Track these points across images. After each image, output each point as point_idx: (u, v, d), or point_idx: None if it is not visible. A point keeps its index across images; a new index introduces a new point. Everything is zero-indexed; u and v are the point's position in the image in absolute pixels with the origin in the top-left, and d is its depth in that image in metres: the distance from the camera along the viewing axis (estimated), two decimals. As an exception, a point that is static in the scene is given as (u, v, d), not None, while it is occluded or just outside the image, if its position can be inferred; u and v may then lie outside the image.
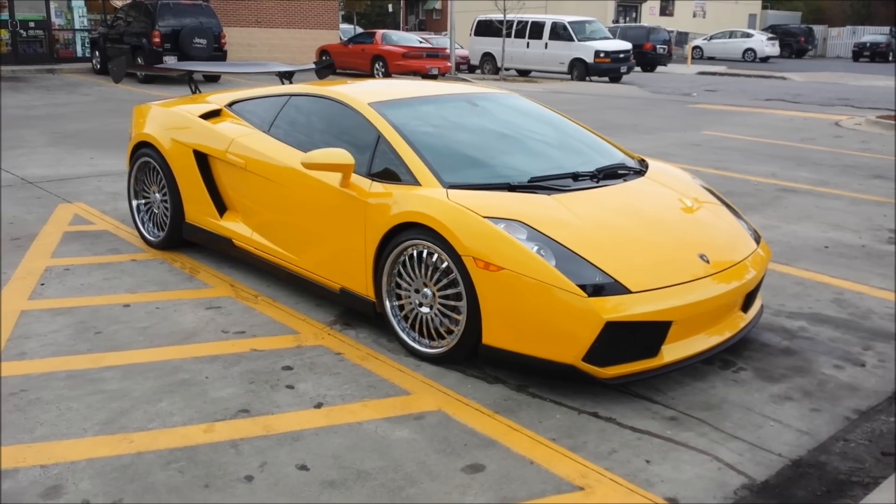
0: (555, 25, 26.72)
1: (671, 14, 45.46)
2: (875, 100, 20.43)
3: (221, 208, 5.27)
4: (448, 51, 24.79)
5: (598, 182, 4.29)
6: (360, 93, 4.78)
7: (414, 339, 4.01)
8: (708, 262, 3.86)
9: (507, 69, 26.89)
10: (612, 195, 4.16)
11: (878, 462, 3.15)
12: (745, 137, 12.47)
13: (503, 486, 2.92)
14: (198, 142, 5.29)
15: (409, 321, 4.04)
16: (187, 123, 5.43)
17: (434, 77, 23.41)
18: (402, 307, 4.07)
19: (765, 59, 38.40)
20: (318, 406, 3.49)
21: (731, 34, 40.34)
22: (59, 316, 4.46)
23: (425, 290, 3.90)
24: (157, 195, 5.70)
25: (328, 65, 7.23)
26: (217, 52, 20.04)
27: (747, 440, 3.29)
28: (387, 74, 23.08)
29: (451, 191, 3.92)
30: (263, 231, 4.88)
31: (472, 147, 4.51)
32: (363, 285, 4.23)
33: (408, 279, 3.98)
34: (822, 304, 4.91)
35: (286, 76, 6.88)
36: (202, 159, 5.31)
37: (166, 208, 5.63)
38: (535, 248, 3.58)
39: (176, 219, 5.51)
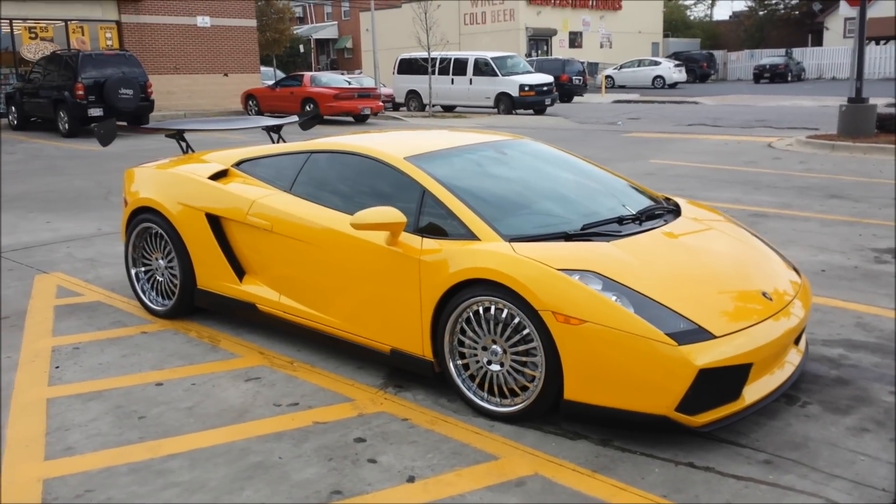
0: (478, 61, 27.18)
1: (580, 46, 46.84)
2: (790, 120, 21.48)
3: (239, 272, 5.05)
4: (379, 90, 24.81)
5: (641, 224, 4.30)
6: (390, 147, 4.68)
7: (482, 399, 3.91)
8: (771, 299, 3.91)
9: (432, 105, 27.12)
10: (665, 238, 4.18)
11: (979, 489, 3.21)
12: (692, 164, 12.86)
13: (639, 550, 2.84)
14: (211, 205, 5.08)
15: (476, 380, 3.93)
16: (196, 186, 5.21)
17: (366, 118, 23.41)
18: (466, 366, 3.96)
19: (673, 85, 39.96)
20: (412, 480, 3.34)
21: (640, 62, 41.88)
22: (91, 402, 4.16)
23: (494, 346, 3.81)
24: (162, 262, 5.43)
25: (313, 116, 7.09)
26: (144, 101, 19.49)
27: (847, 477, 3.31)
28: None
29: (515, 244, 3.85)
30: (295, 294, 4.70)
31: (516, 197, 4.47)
32: (419, 345, 4.11)
33: (473, 336, 3.88)
34: (849, 330, 5.04)
35: (274, 130, 6.72)
36: (214, 223, 5.09)
37: (172, 275, 5.37)
38: (614, 297, 3.55)
39: (186, 286, 5.26)
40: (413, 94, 28.74)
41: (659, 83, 39.93)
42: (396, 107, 29.13)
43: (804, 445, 3.59)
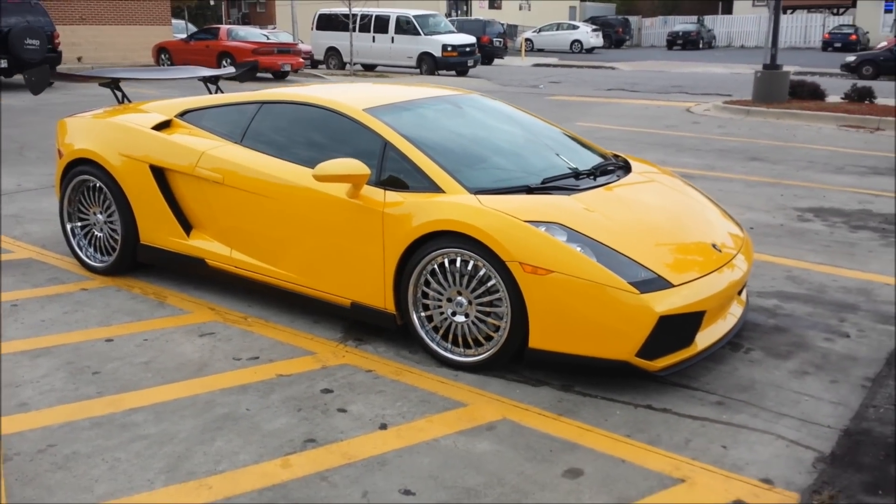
0: (400, 19, 26.80)
1: (499, 7, 46.84)
2: (704, 86, 22.10)
3: (186, 227, 4.92)
4: (299, 46, 24.23)
5: (596, 179, 4.41)
6: (347, 99, 4.62)
7: (446, 350, 3.96)
8: (720, 251, 4.09)
9: (353, 64, 26.70)
10: (621, 192, 4.30)
11: (912, 424, 3.47)
12: (617, 127, 13.14)
13: (610, 487, 2.97)
14: (155, 156, 4.92)
15: (440, 331, 3.98)
16: (139, 136, 5.03)
17: (286, 74, 22.88)
18: (430, 318, 4.00)
19: (590, 50, 40.45)
20: (384, 427, 3.38)
21: (559, 26, 42.18)
22: (40, 358, 4.02)
23: (459, 298, 3.86)
24: (101, 216, 5.24)
25: (251, 67, 6.90)
26: (51, 52, 18.49)
27: (794, 416, 3.53)
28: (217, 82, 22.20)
29: (480, 196, 3.89)
30: (249, 248, 4.62)
31: (476, 151, 4.50)
32: (380, 298, 4.12)
33: (437, 289, 3.91)
34: (780, 282, 5.32)
35: (211, 81, 6.52)
36: (159, 175, 4.94)
37: (112, 230, 5.19)
38: (578, 248, 3.65)
39: (128, 241, 5.10)
40: (333, 52, 28.14)
41: (577, 48, 40.36)
42: (315, 64, 28.49)
43: (752, 388, 3.80)
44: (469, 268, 3.80)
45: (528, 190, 4.08)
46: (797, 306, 4.87)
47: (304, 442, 3.26)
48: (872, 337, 4.41)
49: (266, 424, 3.39)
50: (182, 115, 5.20)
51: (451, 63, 25.97)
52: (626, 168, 4.77)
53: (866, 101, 14.96)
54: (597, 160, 4.77)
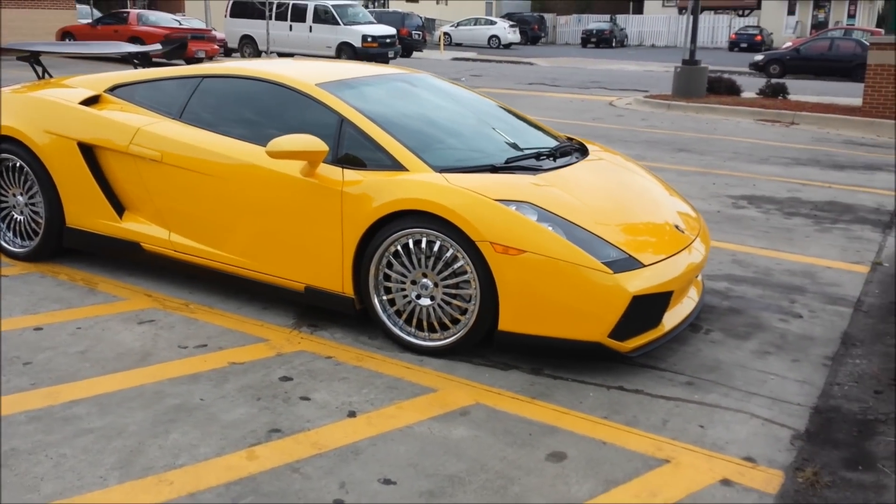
0: (318, 8, 26.30)
1: (416, 1, 46.65)
2: (621, 82, 22.49)
3: (118, 209, 4.59)
4: (215, 32, 23.46)
5: (556, 161, 4.31)
6: (298, 73, 4.38)
7: (409, 334, 3.79)
8: (683, 232, 4.05)
9: (269, 52, 26.05)
10: (583, 174, 4.21)
11: (877, 399, 3.51)
12: (544, 118, 13.14)
13: (597, 469, 2.87)
14: (84, 134, 4.56)
15: (403, 316, 3.80)
16: (66, 112, 4.65)
17: (199, 61, 22.11)
18: (392, 301, 3.82)
19: (507, 46, 40.69)
20: (353, 415, 3.19)
21: (477, 21, 42.28)
22: (-39, 349, 3.65)
23: (424, 280, 3.70)
24: (21, 198, 4.83)
25: (180, 44, 6.53)
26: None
27: (764, 395, 3.51)
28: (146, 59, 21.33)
29: (447, 175, 3.74)
30: (190, 231, 4.33)
31: (435, 129, 4.33)
32: (338, 282, 3.92)
33: (401, 271, 3.74)
34: (728, 266, 5.36)
35: (138, 57, 6.14)
36: (87, 154, 4.58)
37: (35, 213, 4.80)
38: (549, 228, 3.54)
39: (53, 225, 4.71)
40: (248, 40, 27.36)
41: (494, 43, 40.54)
42: (229, 52, 27.66)
43: (718, 368, 3.77)
44: (435, 249, 3.64)
45: (493, 169, 3.95)
46: (747, 289, 4.90)
47: (269, 432, 3.04)
48: (824, 317, 4.47)
49: (224, 415, 3.15)
50: (112, 90, 4.84)
51: (372, 54, 25.63)
52: (582, 150, 4.70)
53: (780, 97, 15.49)
54: (553, 142, 4.68)
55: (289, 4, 26.65)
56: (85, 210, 4.62)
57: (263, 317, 4.17)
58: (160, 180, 4.36)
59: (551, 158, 4.31)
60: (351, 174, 3.86)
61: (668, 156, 9.80)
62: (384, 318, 3.83)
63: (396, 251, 3.73)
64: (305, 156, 3.79)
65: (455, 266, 3.61)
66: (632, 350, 3.59)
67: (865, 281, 5.14)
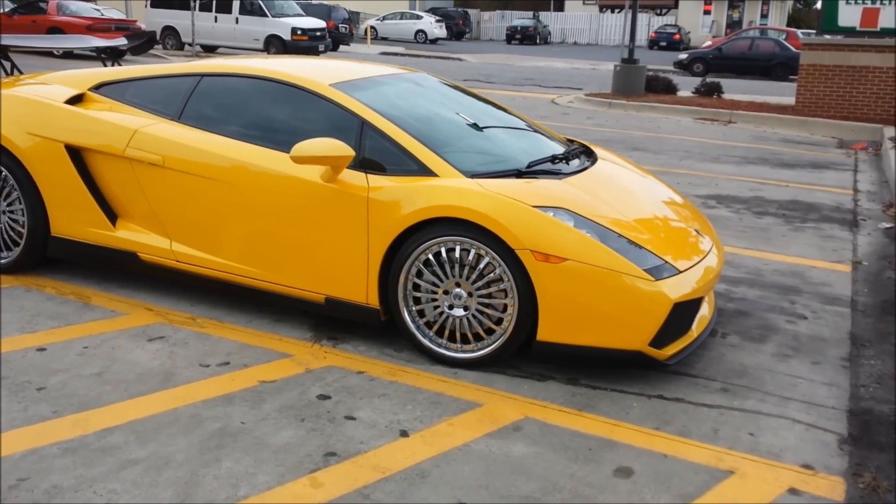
0: (244, 0, 25.64)
1: (339, -7, 46.00)
2: (554, 79, 22.75)
3: (111, 216, 4.32)
4: (139, 23, 22.57)
5: (569, 164, 4.27)
6: (309, 73, 4.20)
7: (441, 346, 3.69)
8: (703, 236, 4.08)
9: (193, 45, 25.24)
10: (602, 178, 4.18)
11: (904, 401, 3.61)
12: (493, 115, 13.15)
13: (667, 484, 2.84)
14: (73, 136, 4.27)
15: (434, 327, 3.69)
16: (51, 113, 4.34)
17: (124, 53, 21.20)
18: (421, 312, 3.71)
19: (434, 41, 40.64)
20: (405, 434, 3.08)
21: (402, 15, 42.04)
22: (-38, 374, 3.36)
23: (457, 290, 3.60)
24: (-3, 205, 4.50)
25: (148, 39, 6.20)
26: None
27: (798, 399, 3.56)
28: (116, 54, 20.33)
29: (480, 180, 3.64)
30: (195, 240, 4.10)
31: (453, 132, 4.21)
32: (362, 292, 3.78)
33: (433, 280, 3.63)
34: (720, 267, 5.43)
35: (106, 52, 5.81)
36: (75, 157, 4.30)
37: (13, 221, 4.48)
38: (588, 234, 3.49)
39: (36, 234, 4.41)
40: (170, 31, 26.49)
41: (421, 37, 40.39)
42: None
43: (746, 373, 3.81)
44: (470, 257, 3.55)
45: (518, 174, 3.88)
46: (746, 290, 4.98)
47: (325, 456, 2.89)
48: (826, 318, 4.58)
49: (271, 439, 2.99)
50: (97, 87, 4.55)
51: (302, 47, 25.14)
52: (588, 153, 4.68)
53: (715, 96, 15.92)
54: (558, 144, 4.64)
55: (213, -6, 25.88)
56: (73, 218, 4.34)
57: (278, 330, 3.99)
58: (161, 186, 4.12)
59: (565, 161, 4.27)
60: (377, 179, 3.73)
61: (624, 155, 9.91)
62: (414, 329, 3.72)
63: (427, 260, 3.62)
64: (331, 161, 3.64)
65: (491, 275, 3.53)
66: (669, 358, 3.58)
67: (852, 280, 5.29)
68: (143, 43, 6.09)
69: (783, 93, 19.22)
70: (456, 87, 5.03)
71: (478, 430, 3.13)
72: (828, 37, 14.18)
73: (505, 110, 5.01)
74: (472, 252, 3.53)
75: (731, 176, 8.80)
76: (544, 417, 3.27)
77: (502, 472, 2.85)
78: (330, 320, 4.07)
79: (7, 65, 5.13)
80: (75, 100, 4.47)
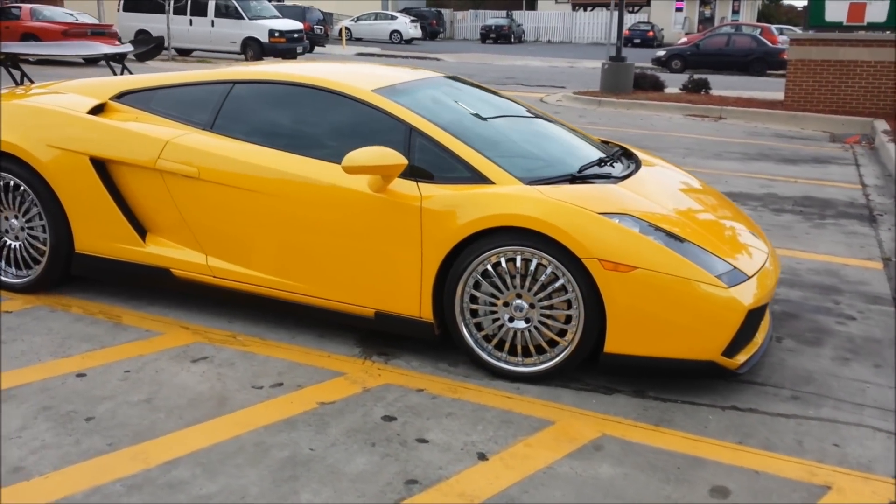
0: (219, 3, 25.27)
1: (311, -6, 45.65)
2: (536, 78, 22.71)
3: (140, 231, 4.11)
4: (115, 28, 22.13)
5: (614, 167, 4.14)
6: (348, 78, 4.03)
7: (500, 360, 3.54)
8: (757, 238, 3.97)
9: (169, 48, 24.83)
10: (653, 181, 4.06)
11: (977, 404, 3.52)
12: (487, 115, 13.02)
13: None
14: (99, 148, 4.06)
15: (493, 340, 3.54)
16: (75, 124, 4.12)
17: (98, 59, 20.77)
18: (479, 325, 3.55)
19: (409, 41, 40.45)
20: (484, 457, 2.92)
21: (377, 16, 41.78)
22: (2, 405, 3.14)
23: (518, 301, 3.45)
24: (15, 222, 4.27)
25: (156, 45, 5.98)
26: None
27: (871, 405, 3.46)
28: (121, 61, 19.84)
29: (540, 187, 3.50)
30: (233, 255, 3.91)
31: (500, 137, 4.06)
32: (415, 306, 3.62)
33: (492, 291, 3.48)
34: (755, 268, 5.34)
35: (114, 59, 5.59)
36: (101, 170, 4.09)
37: (33, 238, 4.25)
38: (656, 241, 3.36)
39: (59, 251, 4.19)
40: (143, 34, 26.02)
41: (396, 38, 40.18)
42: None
43: (812, 379, 3.70)
44: (532, 267, 3.40)
45: (572, 179, 3.74)
46: (787, 291, 4.90)
47: (407, 484, 2.73)
48: (874, 318, 4.50)
49: (345, 466, 2.82)
50: (119, 97, 4.34)
51: (280, 49, 24.86)
52: (628, 154, 4.56)
53: (703, 92, 15.94)
54: (598, 145, 4.52)
55: (187, -2, 25.47)
56: (99, 234, 4.12)
57: (324, 346, 3.82)
58: (197, 199, 3.92)
59: (610, 164, 4.14)
60: (429, 188, 3.57)
61: (628, 153, 9.83)
62: (472, 343, 3.56)
63: (486, 271, 3.46)
64: (384, 170, 3.48)
65: (554, 285, 3.39)
66: (740, 367, 3.46)
67: (887, 278, 5.23)
68: (150, 49, 5.85)
69: (764, 87, 19.35)
70: (487, 89, 4.88)
71: (557, 451, 2.99)
72: (812, 32, 14.23)
73: (534, 111, 4.87)
74: (535, 262, 3.39)
75: (738, 173, 8.75)
76: (622, 434, 3.13)
77: (595, 497, 2.71)
78: (376, 335, 3.91)
79: (17, 74, 4.86)
80: (97, 110, 4.26)
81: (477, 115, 4.19)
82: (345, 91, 3.91)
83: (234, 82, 4.15)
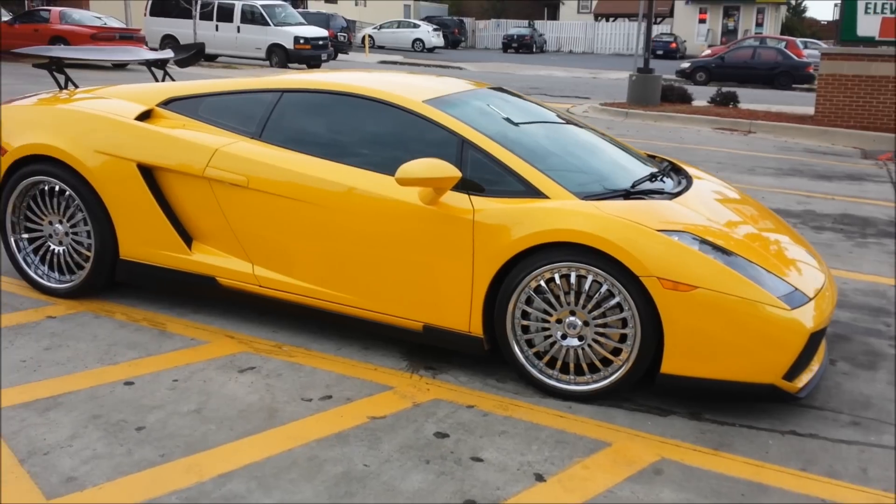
0: (245, 9, 25.41)
1: (335, 2, 45.92)
2: (560, 88, 22.67)
3: (185, 239, 4.08)
4: (143, 32, 22.29)
5: (664, 182, 4.08)
6: (398, 88, 3.98)
7: (551, 378, 3.47)
8: (815, 260, 3.89)
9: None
10: (708, 197, 3.99)
11: None
12: (514, 126, 12.98)
13: (835, 532, 2.64)
14: (146, 154, 4.03)
15: (544, 358, 3.48)
16: (122, 130, 4.10)
17: (126, 63, 20.91)
18: (530, 342, 3.49)
19: (431, 49, 40.52)
20: (541, 478, 2.86)
21: (399, 24, 41.89)
22: (51, 412, 3.11)
23: (572, 318, 3.39)
24: (60, 227, 4.25)
25: (197, 51, 5.97)
26: None
27: (933, 432, 3.38)
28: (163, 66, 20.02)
29: (598, 202, 3.44)
30: (280, 265, 3.87)
31: (550, 150, 4.01)
32: (464, 320, 3.56)
33: (543, 308, 3.41)
34: (800, 287, 5.25)
35: (157, 65, 5.58)
36: (147, 177, 4.06)
37: (77, 243, 4.23)
38: (717, 260, 3.29)
39: (104, 257, 4.16)
40: (170, 40, 26.14)
41: (418, 46, 40.25)
42: (151, 53, 26.39)
43: (871, 404, 3.61)
44: (586, 285, 3.34)
45: (626, 194, 3.68)
46: (837, 311, 4.78)
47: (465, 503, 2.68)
48: (927, 341, 4.40)
49: (400, 484, 2.77)
50: (166, 103, 4.32)
51: (305, 56, 24.96)
52: (677, 169, 4.49)
53: (731, 105, 15.81)
54: (646, 159, 4.45)
55: (214, 3, 25.64)
56: (145, 240, 4.10)
57: (370, 358, 3.77)
58: (245, 208, 3.89)
59: (661, 180, 4.07)
60: (481, 202, 3.51)
61: (660, 167, 9.75)
62: (523, 360, 3.50)
63: (539, 287, 3.40)
64: (437, 182, 3.42)
65: (610, 303, 3.32)
66: (799, 390, 3.38)
67: (937, 300, 5.13)
68: (191, 55, 5.84)
69: (791, 101, 19.21)
70: (534, 101, 4.82)
71: (616, 474, 2.92)
72: (843, 47, 14.07)
73: (581, 124, 4.81)
74: (590, 278, 3.32)
75: (774, 188, 8.65)
76: (681, 458, 3.06)
77: (659, 522, 2.64)
78: (422, 348, 3.85)
79: (61, 78, 4.86)
80: (144, 116, 4.24)
81: (527, 128, 4.14)
82: (396, 101, 3.86)
83: (283, 91, 4.11)
